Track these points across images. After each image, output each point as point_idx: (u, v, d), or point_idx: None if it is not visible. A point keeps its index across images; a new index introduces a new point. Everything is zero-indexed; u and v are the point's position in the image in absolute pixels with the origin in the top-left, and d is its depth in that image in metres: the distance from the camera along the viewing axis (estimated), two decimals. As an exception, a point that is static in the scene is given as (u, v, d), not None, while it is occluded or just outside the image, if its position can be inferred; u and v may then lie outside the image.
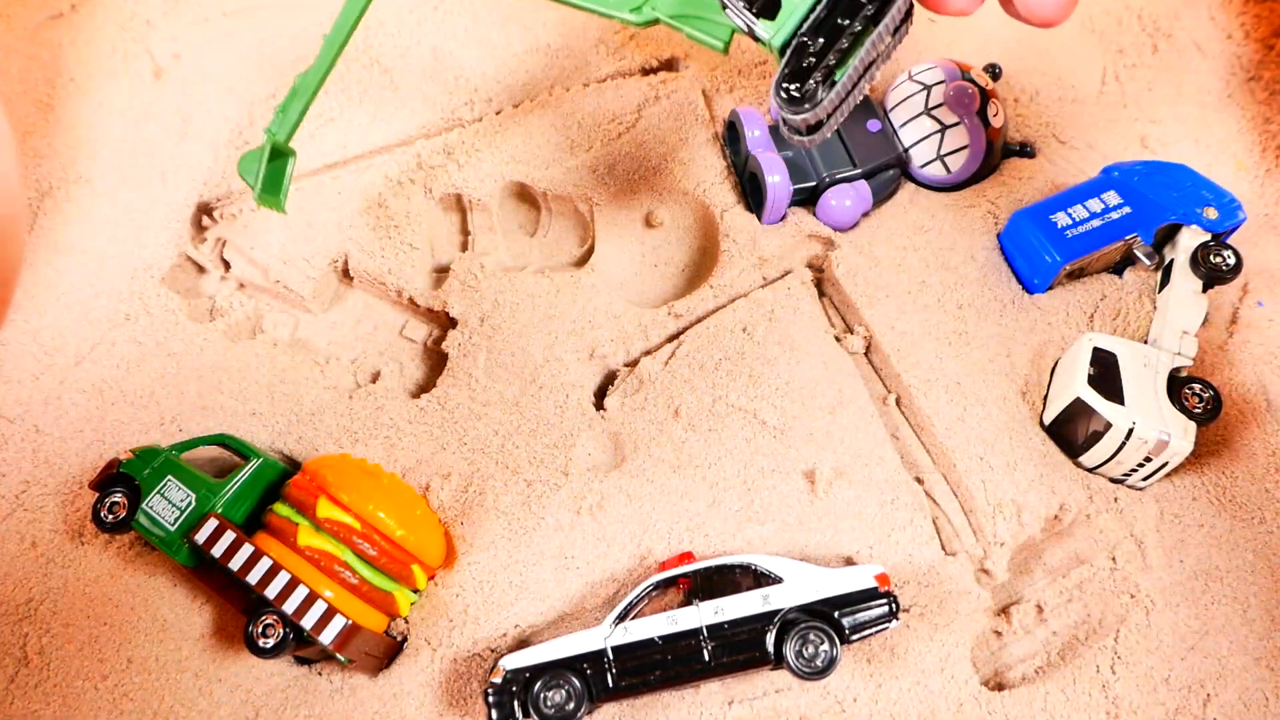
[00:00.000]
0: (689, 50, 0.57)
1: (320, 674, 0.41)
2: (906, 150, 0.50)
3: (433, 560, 0.41)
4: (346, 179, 0.52)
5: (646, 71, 0.57)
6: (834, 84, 0.33)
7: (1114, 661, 0.40)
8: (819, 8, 0.34)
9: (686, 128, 0.53)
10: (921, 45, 0.57)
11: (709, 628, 0.38)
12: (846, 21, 0.33)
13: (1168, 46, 0.58)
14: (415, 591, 0.42)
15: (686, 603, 0.39)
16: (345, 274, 0.51)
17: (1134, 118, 0.55)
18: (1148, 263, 0.47)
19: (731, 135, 0.52)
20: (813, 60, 0.33)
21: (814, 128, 0.35)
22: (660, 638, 0.38)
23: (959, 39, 0.58)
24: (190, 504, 0.40)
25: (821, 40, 0.33)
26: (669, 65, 0.57)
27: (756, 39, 0.35)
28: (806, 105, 0.33)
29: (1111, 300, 0.48)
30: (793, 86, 0.33)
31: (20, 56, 0.56)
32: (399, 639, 0.41)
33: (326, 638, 0.37)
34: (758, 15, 0.34)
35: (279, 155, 0.45)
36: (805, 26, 0.34)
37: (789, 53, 0.34)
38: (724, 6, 0.35)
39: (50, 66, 0.56)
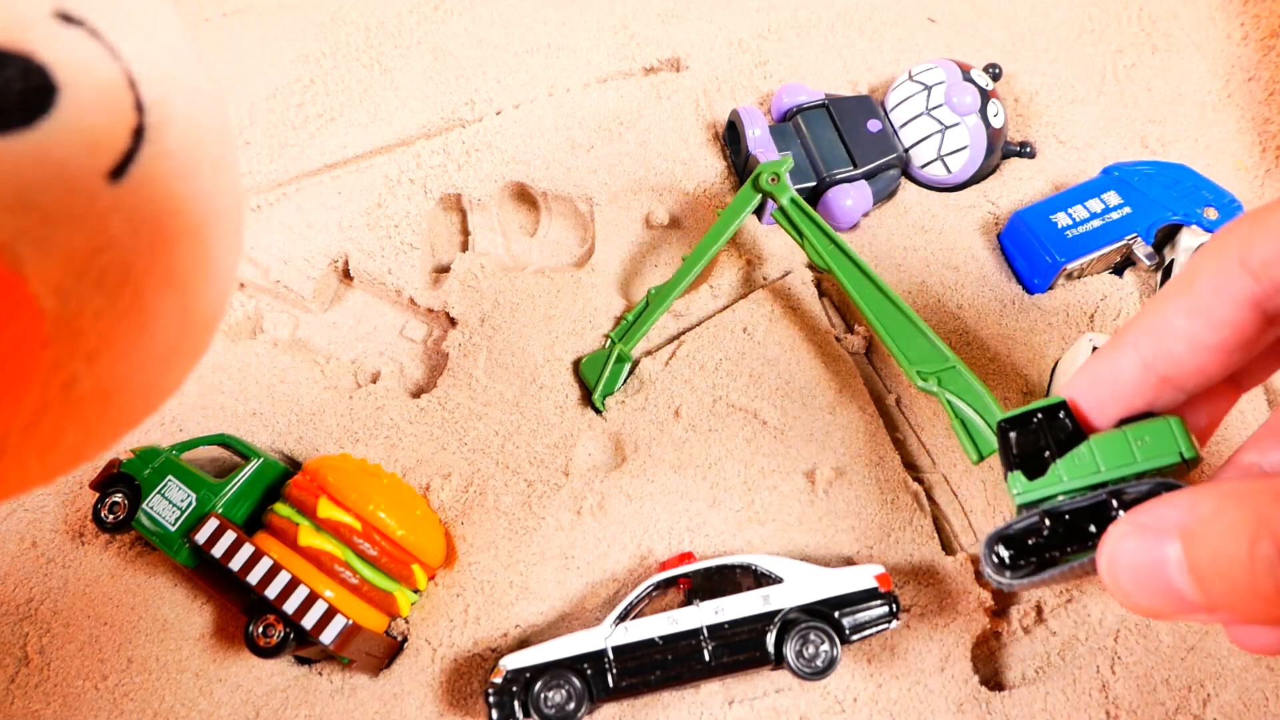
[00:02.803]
0: (689, 50, 0.57)
1: (321, 674, 0.41)
2: (907, 150, 0.50)
3: (433, 560, 0.41)
4: (346, 179, 0.52)
5: (647, 71, 0.57)
6: (1039, 575, 0.33)
7: (1113, 662, 0.40)
8: (1078, 500, 0.33)
9: (687, 128, 0.53)
10: (922, 45, 0.57)
11: (709, 628, 0.38)
12: (1094, 529, 0.32)
13: (1168, 46, 0.58)
14: (416, 591, 0.42)
15: (687, 603, 0.39)
16: (345, 274, 0.51)
17: (1134, 118, 0.55)
18: (1148, 263, 0.47)
19: (732, 135, 0.52)
20: (1040, 540, 0.33)
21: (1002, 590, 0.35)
22: (660, 638, 0.38)
23: (959, 39, 0.58)
24: (191, 504, 0.40)
25: (1061, 530, 0.33)
26: (670, 65, 0.57)
27: (1007, 482, 0.34)
28: (1008, 574, 0.33)
29: (1111, 300, 0.48)
30: (1007, 553, 0.33)
31: (20, 56, 0.56)
32: (399, 639, 0.41)
33: (327, 638, 0.37)
34: (1017, 467, 0.34)
35: (620, 360, 0.46)
36: (1053, 507, 0.33)
37: (1023, 516, 0.34)
38: (999, 439, 0.35)
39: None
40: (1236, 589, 0.18)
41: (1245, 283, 0.24)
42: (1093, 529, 0.32)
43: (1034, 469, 0.34)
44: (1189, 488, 0.22)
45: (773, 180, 0.45)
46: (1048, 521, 0.33)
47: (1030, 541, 0.33)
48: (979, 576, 0.43)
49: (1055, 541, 0.33)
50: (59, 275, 0.15)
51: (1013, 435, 0.34)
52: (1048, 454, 0.34)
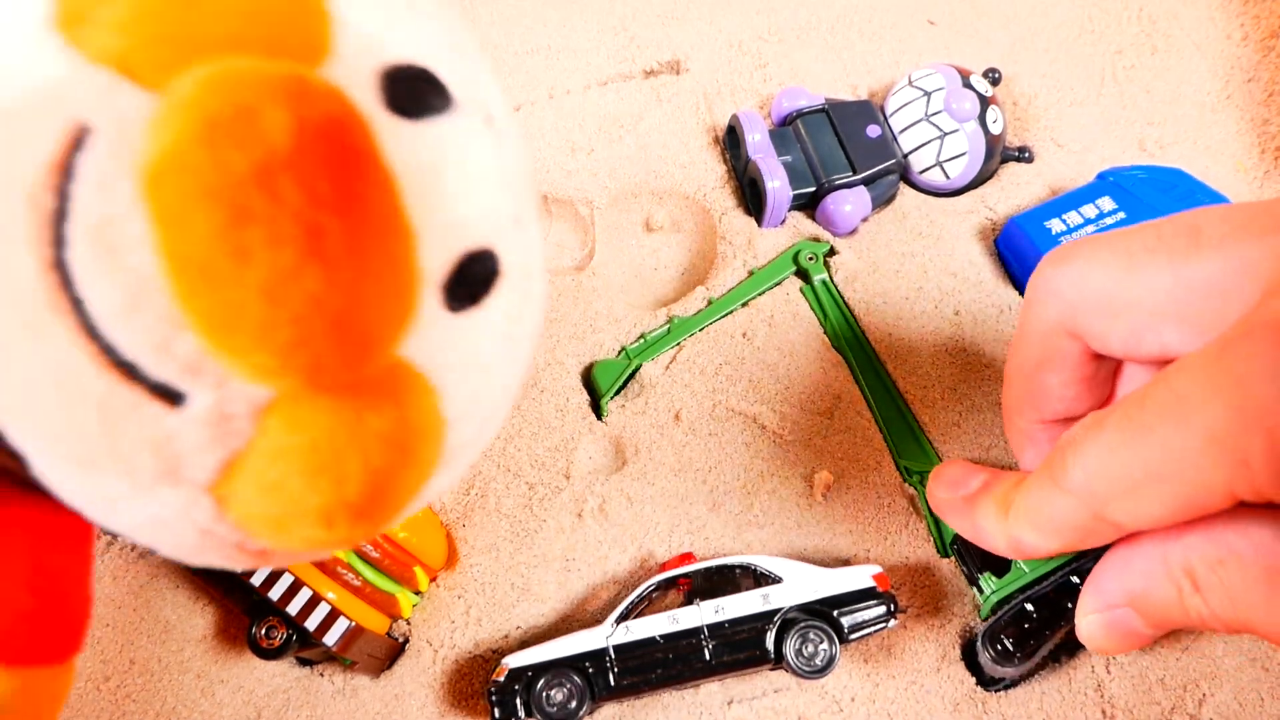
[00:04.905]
0: (689, 53, 0.57)
1: (322, 675, 0.41)
2: (906, 156, 0.51)
3: (435, 562, 0.42)
4: (347, 181, 0.52)
5: (648, 74, 0.57)
6: (1036, 655, 0.37)
7: (1109, 661, 0.41)
8: (1046, 585, 0.38)
9: (687, 131, 0.54)
10: (921, 50, 0.57)
11: (710, 627, 0.38)
12: (1071, 607, 0.37)
13: (1167, 47, 0.58)
14: (417, 593, 0.42)
15: (687, 603, 0.39)
16: (346, 276, 0.52)
17: (1132, 120, 0.55)
18: (1145, 267, 0.47)
19: (732, 139, 0.52)
20: (1033, 625, 0.38)
21: (995, 681, 0.39)
22: (661, 636, 0.38)
23: (959, 44, 0.58)
24: (194, 506, 0.40)
25: (1045, 613, 0.38)
26: (671, 68, 0.57)
27: (977, 587, 0.39)
28: (1016, 661, 0.37)
29: (1109, 303, 0.48)
30: (1010, 640, 0.37)
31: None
32: (401, 640, 0.42)
33: (330, 640, 0.37)
34: (987, 568, 0.39)
35: (634, 373, 0.48)
36: (1034, 593, 0.38)
37: (1008, 610, 0.38)
38: (957, 549, 0.40)
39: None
40: (1178, 623, 0.24)
41: (1073, 345, 0.28)
42: (1069, 605, 0.38)
43: (1000, 568, 0.39)
44: (1115, 557, 0.26)
45: (810, 259, 0.49)
46: (1031, 608, 0.38)
47: (1026, 627, 0.38)
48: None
49: (1044, 624, 0.37)
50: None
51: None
52: None
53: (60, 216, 0.16)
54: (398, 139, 0.18)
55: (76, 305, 0.17)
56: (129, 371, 0.17)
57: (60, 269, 0.16)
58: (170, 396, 0.18)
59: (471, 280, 0.19)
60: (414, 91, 0.19)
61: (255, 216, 0.15)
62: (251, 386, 0.17)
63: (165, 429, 0.18)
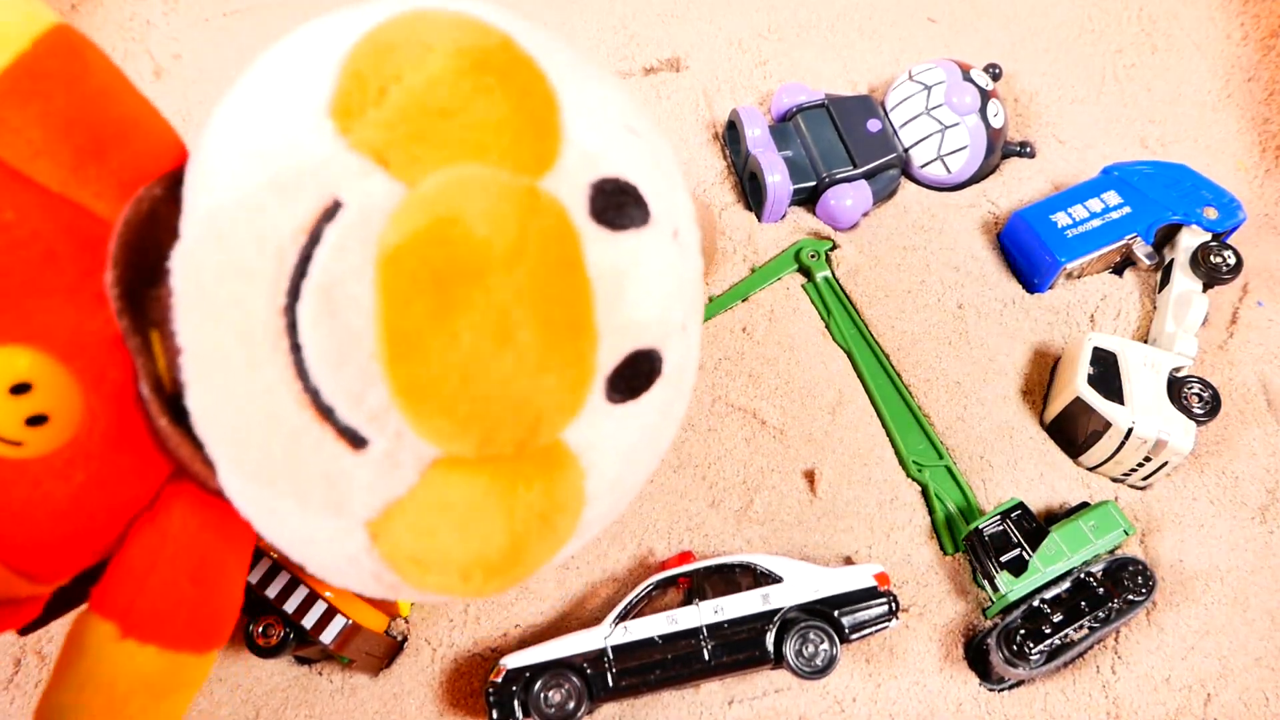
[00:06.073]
0: (689, 50, 0.57)
1: (321, 674, 0.41)
2: (907, 150, 0.50)
3: (433, 560, 0.41)
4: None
5: (647, 71, 0.57)
6: (1051, 662, 0.38)
7: (1114, 662, 0.40)
8: (1061, 584, 0.39)
9: (687, 128, 0.53)
10: (922, 45, 0.57)
11: (709, 627, 0.38)
12: (1086, 607, 0.38)
13: (1168, 46, 0.58)
14: (415, 591, 0.42)
15: (686, 602, 0.39)
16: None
17: (1133, 118, 0.55)
18: (1147, 262, 0.47)
19: (732, 135, 0.52)
20: (1052, 626, 0.38)
21: (1000, 679, 0.40)
22: (660, 637, 0.38)
23: (959, 39, 0.58)
24: (190, 504, 0.40)
25: (1061, 617, 0.38)
26: (670, 65, 0.57)
27: (994, 587, 0.40)
28: (1031, 660, 0.38)
29: (1111, 300, 0.48)
30: (1025, 641, 0.38)
31: (20, 56, 0.56)
32: (399, 639, 0.41)
33: (327, 638, 0.37)
34: (1004, 568, 0.40)
35: None
36: (1044, 595, 0.39)
37: (1021, 609, 0.39)
38: (971, 546, 0.41)
39: (50, 66, 0.56)
40: None
41: None
42: (1083, 605, 0.38)
43: (1017, 569, 0.39)
44: None
45: (813, 257, 0.49)
46: (1046, 608, 0.38)
47: (1044, 629, 0.38)
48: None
49: (1062, 624, 0.38)
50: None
51: (989, 537, 0.40)
52: (1023, 553, 0.39)
53: (300, 273, 0.19)
54: (598, 246, 0.20)
55: (295, 349, 0.20)
56: (326, 413, 0.20)
57: (289, 315, 0.19)
58: (354, 440, 0.20)
59: (634, 376, 0.22)
60: (618, 205, 0.21)
61: (468, 307, 0.18)
62: (424, 444, 0.20)
63: (342, 466, 0.21)
